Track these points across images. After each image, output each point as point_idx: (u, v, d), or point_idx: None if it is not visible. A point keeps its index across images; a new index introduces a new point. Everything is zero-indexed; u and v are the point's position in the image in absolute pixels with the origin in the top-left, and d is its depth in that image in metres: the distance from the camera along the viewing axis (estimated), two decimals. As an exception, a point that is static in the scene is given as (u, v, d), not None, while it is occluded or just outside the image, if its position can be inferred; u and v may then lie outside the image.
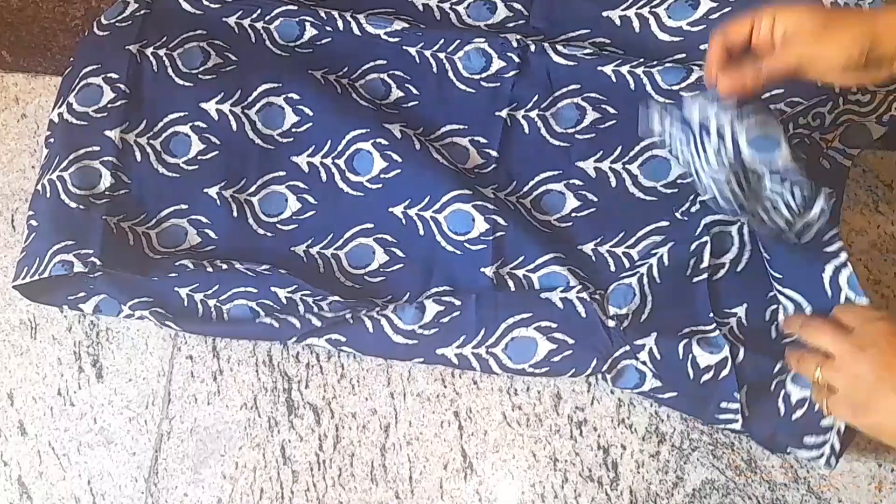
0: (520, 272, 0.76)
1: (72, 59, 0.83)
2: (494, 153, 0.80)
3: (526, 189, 0.79)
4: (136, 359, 0.78)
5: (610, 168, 0.79)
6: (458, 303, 0.74)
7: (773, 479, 0.72)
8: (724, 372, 0.70)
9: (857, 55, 0.58)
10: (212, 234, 0.79)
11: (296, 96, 0.81)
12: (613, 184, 0.79)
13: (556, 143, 0.80)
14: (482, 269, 0.76)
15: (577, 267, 0.76)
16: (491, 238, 0.76)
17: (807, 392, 0.69)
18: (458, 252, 0.77)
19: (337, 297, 0.75)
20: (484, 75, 0.82)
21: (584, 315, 0.73)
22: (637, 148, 0.79)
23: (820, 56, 0.59)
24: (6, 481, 0.75)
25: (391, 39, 0.83)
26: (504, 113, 0.81)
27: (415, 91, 0.83)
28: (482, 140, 0.80)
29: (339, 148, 0.80)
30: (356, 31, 0.83)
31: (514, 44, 0.81)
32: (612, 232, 0.78)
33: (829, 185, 0.76)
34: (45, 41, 0.88)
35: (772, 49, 0.61)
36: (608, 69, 0.81)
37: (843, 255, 0.69)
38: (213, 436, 0.76)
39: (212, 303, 0.77)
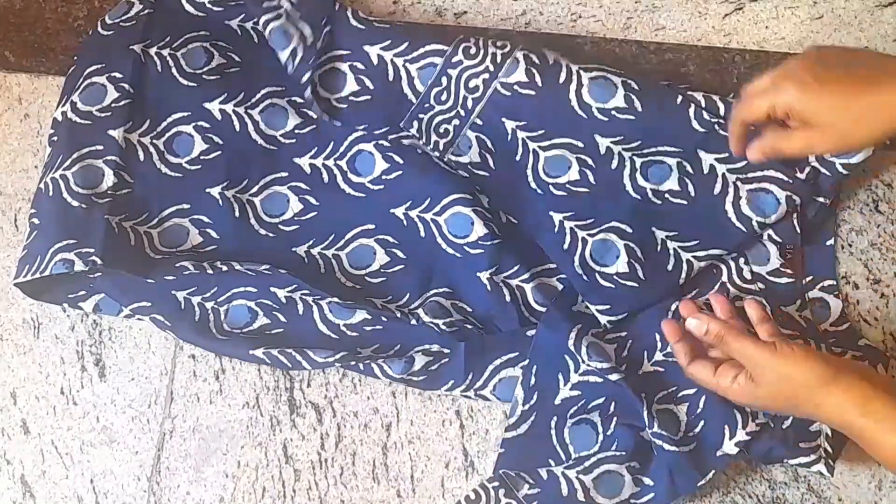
0: (513, 282, 0.76)
1: (75, 57, 0.84)
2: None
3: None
4: (138, 358, 0.78)
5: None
6: (447, 350, 0.74)
7: (773, 477, 0.73)
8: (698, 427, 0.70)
9: (881, 139, 0.57)
10: (213, 234, 0.79)
11: (298, 98, 0.81)
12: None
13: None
14: (478, 274, 0.76)
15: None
16: (488, 243, 0.76)
17: None
18: (458, 255, 0.77)
19: (336, 298, 0.75)
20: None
21: None
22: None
23: (842, 146, 0.59)
24: (9, 480, 0.76)
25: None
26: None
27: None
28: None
29: (342, 149, 0.80)
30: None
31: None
32: None
33: (827, 195, 0.77)
34: (48, 42, 0.88)
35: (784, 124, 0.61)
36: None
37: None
38: (215, 434, 0.76)
39: (209, 305, 0.77)
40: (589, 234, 0.76)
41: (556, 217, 0.77)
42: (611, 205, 0.76)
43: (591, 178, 0.77)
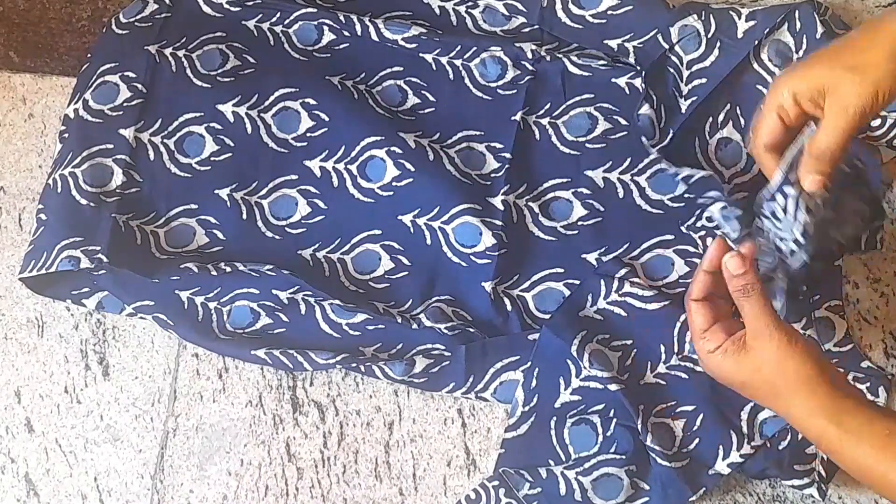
0: (514, 292, 0.77)
1: (89, 55, 0.84)
2: (508, 155, 0.80)
3: (535, 193, 0.80)
4: (142, 357, 0.78)
5: (618, 179, 0.80)
6: (447, 353, 0.74)
7: (773, 476, 0.73)
8: (695, 443, 0.71)
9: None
10: (220, 235, 0.79)
11: (312, 101, 0.82)
12: (621, 195, 0.79)
13: (566, 150, 0.81)
14: (483, 283, 0.76)
15: (578, 277, 0.77)
16: (496, 254, 0.76)
17: (783, 422, 0.70)
18: (464, 264, 0.77)
19: (338, 301, 0.75)
20: (500, 83, 0.82)
21: None
22: (646, 160, 0.80)
23: (869, 87, 0.54)
24: (13, 478, 0.76)
25: (408, 45, 0.83)
26: (518, 116, 0.81)
27: (431, 98, 0.83)
28: (497, 145, 0.81)
29: (353, 154, 0.80)
30: (374, 36, 0.83)
31: (530, 55, 0.82)
32: (616, 242, 0.78)
33: None
34: (52, 42, 0.89)
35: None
36: (622, 81, 0.81)
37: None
38: (218, 433, 0.76)
39: (212, 305, 0.77)
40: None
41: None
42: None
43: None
